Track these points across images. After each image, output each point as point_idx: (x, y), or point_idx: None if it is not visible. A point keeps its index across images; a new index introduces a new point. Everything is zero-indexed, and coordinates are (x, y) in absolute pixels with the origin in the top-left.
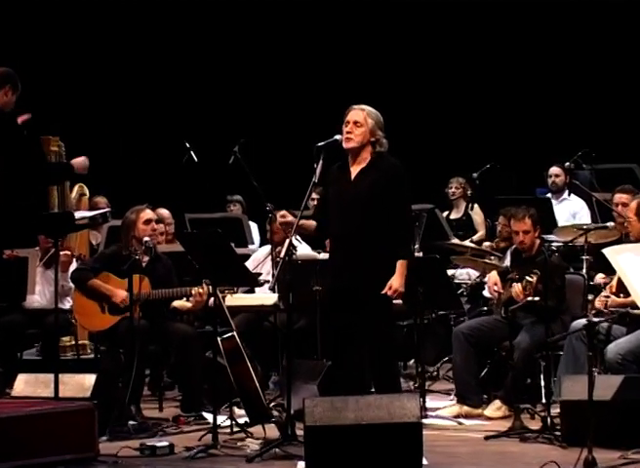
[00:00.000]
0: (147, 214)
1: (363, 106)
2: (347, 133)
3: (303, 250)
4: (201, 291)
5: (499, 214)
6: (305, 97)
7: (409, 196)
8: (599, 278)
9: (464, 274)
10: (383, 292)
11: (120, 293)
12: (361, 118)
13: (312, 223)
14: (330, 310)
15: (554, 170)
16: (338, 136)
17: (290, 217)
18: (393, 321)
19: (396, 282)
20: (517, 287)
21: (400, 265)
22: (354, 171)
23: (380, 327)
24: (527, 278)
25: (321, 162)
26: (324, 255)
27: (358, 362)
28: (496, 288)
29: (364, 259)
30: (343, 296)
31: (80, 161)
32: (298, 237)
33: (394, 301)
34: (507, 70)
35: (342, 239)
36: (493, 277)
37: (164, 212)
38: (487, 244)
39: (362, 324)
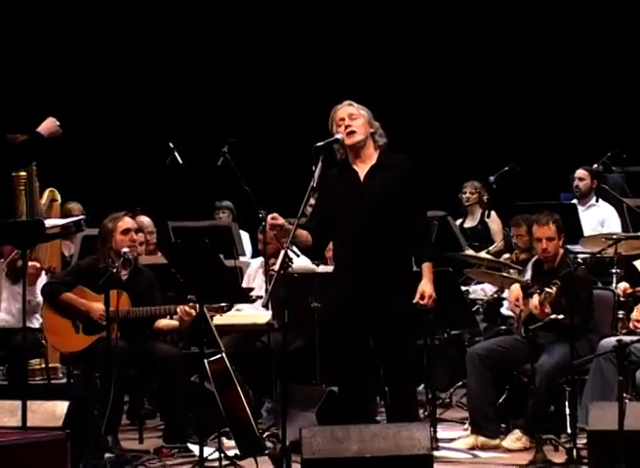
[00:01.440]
0: (126, 222)
1: (347, 102)
2: (348, 126)
3: (300, 262)
4: (187, 309)
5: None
6: (302, 94)
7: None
8: (621, 287)
9: (480, 289)
10: (415, 300)
11: (98, 307)
12: (354, 111)
13: (306, 233)
14: (335, 325)
15: (579, 172)
16: (339, 136)
17: (282, 220)
18: (413, 334)
19: (428, 287)
20: (534, 299)
21: (427, 268)
22: (361, 170)
23: (397, 339)
24: (546, 289)
25: (320, 164)
26: (323, 268)
27: (363, 386)
28: (517, 303)
29: (378, 264)
30: (353, 308)
31: (47, 124)
32: (295, 249)
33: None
34: (529, 62)
35: (352, 244)
36: (515, 291)
37: (145, 219)
38: (506, 256)
39: (375, 337)
